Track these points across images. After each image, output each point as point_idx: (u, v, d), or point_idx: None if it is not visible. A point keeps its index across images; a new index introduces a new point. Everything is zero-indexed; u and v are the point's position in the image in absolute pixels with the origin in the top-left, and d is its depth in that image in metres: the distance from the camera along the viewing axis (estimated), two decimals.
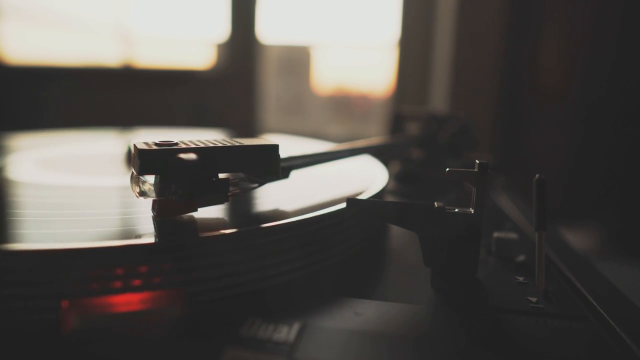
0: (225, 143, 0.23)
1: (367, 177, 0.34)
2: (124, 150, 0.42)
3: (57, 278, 0.18)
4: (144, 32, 1.45)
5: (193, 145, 0.22)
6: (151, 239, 0.20)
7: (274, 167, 0.24)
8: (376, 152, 0.39)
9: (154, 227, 0.21)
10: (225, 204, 0.23)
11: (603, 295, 0.22)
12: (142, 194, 0.22)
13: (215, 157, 0.22)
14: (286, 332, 0.18)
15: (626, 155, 1.22)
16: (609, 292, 0.23)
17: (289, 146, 0.32)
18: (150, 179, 0.22)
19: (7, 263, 0.17)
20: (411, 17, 1.36)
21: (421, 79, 1.36)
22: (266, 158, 0.23)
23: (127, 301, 0.18)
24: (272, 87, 1.52)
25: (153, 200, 0.22)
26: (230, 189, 0.23)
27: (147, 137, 0.55)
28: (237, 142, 0.23)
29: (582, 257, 0.28)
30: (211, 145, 0.22)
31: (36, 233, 0.20)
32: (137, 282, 0.18)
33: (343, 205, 0.24)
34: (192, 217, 0.23)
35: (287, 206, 0.25)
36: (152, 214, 0.22)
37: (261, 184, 0.25)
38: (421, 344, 0.18)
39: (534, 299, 0.21)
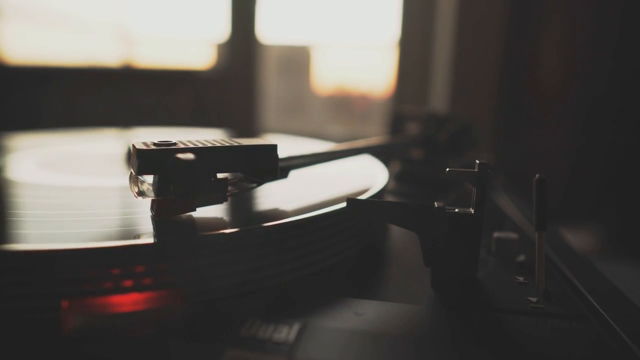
0: (224, 143, 0.23)
1: (367, 177, 0.34)
2: (124, 150, 0.42)
3: (57, 278, 0.18)
4: (144, 32, 1.45)
5: (191, 145, 0.22)
6: (150, 239, 0.20)
7: (273, 167, 0.24)
8: (376, 152, 0.39)
9: (153, 226, 0.21)
10: (224, 203, 0.23)
11: (603, 295, 0.22)
12: (141, 193, 0.22)
13: (214, 157, 0.22)
14: (286, 332, 0.18)
15: (626, 155, 1.22)
16: (609, 292, 0.23)
17: (289, 146, 0.32)
18: (148, 178, 0.22)
19: (7, 263, 0.17)
20: (411, 17, 1.36)
21: (421, 79, 1.36)
22: (265, 158, 0.23)
23: (127, 301, 0.18)
24: (272, 87, 1.52)
25: (152, 200, 0.22)
26: (229, 188, 0.23)
27: (147, 137, 0.55)
28: (236, 142, 0.23)
29: (582, 257, 0.28)
30: (210, 145, 0.22)
31: (36, 233, 0.20)
32: (136, 282, 0.18)
33: (343, 205, 0.24)
34: (190, 216, 0.23)
35: (286, 206, 0.25)
36: (151, 214, 0.22)
37: (260, 183, 0.25)
38: (421, 344, 0.18)
39: (534, 299, 0.21)
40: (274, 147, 0.24)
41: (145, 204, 0.23)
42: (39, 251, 0.18)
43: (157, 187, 0.21)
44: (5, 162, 0.38)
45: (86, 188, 0.30)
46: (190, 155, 0.20)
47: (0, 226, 0.22)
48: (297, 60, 1.57)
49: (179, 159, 0.20)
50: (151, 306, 0.18)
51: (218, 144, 0.22)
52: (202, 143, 0.22)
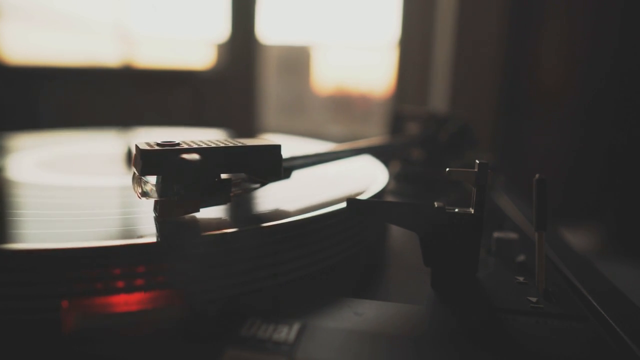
0: (228, 143, 0.23)
1: (367, 177, 0.34)
2: (124, 150, 0.42)
3: (57, 278, 0.18)
4: (144, 32, 1.44)
5: (195, 146, 0.22)
6: (151, 239, 0.20)
7: (276, 167, 0.24)
8: (377, 152, 0.39)
9: (156, 227, 0.21)
10: (227, 204, 0.23)
11: (603, 295, 0.22)
12: (144, 194, 0.22)
13: (218, 157, 0.22)
14: (286, 332, 0.18)
15: (626, 155, 1.22)
16: (609, 292, 0.23)
17: (290, 146, 0.32)
18: (152, 179, 0.22)
19: (7, 263, 0.17)
20: (411, 17, 1.36)
21: (421, 79, 1.36)
22: (269, 158, 0.23)
23: (127, 301, 0.18)
24: (272, 87, 1.52)
25: (155, 201, 0.22)
26: (232, 189, 0.23)
27: (147, 137, 0.55)
28: (240, 142, 0.23)
29: (582, 257, 0.28)
30: (213, 145, 0.22)
31: (36, 233, 0.20)
32: (138, 282, 0.18)
33: (343, 205, 0.24)
34: (194, 217, 0.23)
35: (288, 206, 0.25)
36: (154, 215, 0.22)
37: (263, 184, 0.25)
38: (421, 344, 0.18)
39: (534, 299, 0.21)
40: (278, 148, 0.24)
41: (145, 203, 0.23)
42: (39, 251, 0.18)
43: (161, 187, 0.21)
44: (6, 162, 0.38)
45: (86, 188, 0.30)
46: (195, 156, 0.20)
47: (0, 226, 0.22)
48: (297, 60, 1.57)
49: (184, 159, 0.20)
50: (151, 306, 0.18)
51: (222, 144, 0.22)
52: (205, 143, 0.22)
